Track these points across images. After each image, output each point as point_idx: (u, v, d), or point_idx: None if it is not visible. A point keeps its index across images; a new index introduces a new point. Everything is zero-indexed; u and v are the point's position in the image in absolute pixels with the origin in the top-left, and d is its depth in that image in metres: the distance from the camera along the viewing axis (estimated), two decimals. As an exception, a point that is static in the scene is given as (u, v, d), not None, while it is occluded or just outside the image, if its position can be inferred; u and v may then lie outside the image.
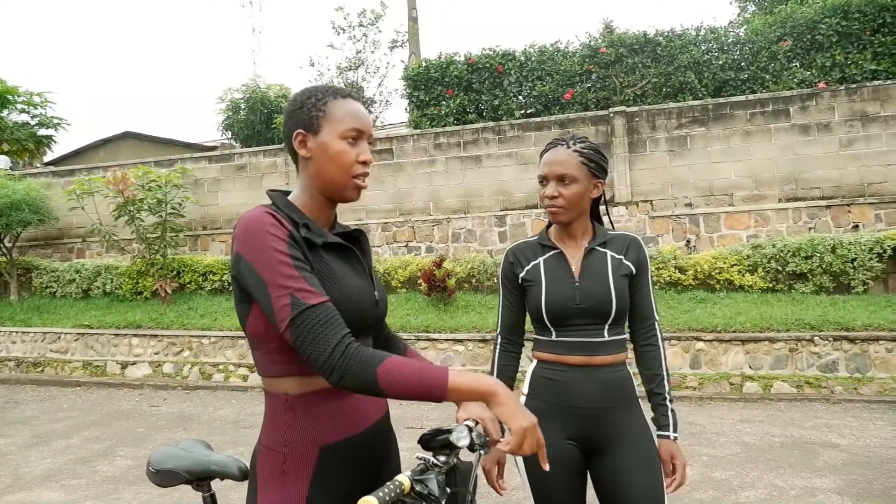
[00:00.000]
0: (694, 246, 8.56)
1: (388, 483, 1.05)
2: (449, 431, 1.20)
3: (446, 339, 7.17)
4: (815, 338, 6.24)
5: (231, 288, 1.25)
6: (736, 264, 7.67)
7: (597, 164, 1.69)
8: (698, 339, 6.54)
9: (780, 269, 7.49)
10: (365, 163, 1.25)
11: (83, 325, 8.67)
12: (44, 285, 10.38)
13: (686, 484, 3.68)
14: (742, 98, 8.70)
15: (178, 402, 6.63)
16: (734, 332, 6.48)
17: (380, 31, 13.63)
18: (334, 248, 1.24)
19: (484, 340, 7.01)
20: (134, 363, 8.15)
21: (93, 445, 5.04)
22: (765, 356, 6.35)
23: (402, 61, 12.61)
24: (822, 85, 8.88)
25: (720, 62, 9.78)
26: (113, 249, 10.02)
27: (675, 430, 1.68)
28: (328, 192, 1.25)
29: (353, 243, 1.31)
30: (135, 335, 8.35)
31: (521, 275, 1.74)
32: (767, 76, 9.55)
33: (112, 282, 9.84)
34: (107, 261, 10.28)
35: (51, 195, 10.39)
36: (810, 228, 8.19)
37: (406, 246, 9.66)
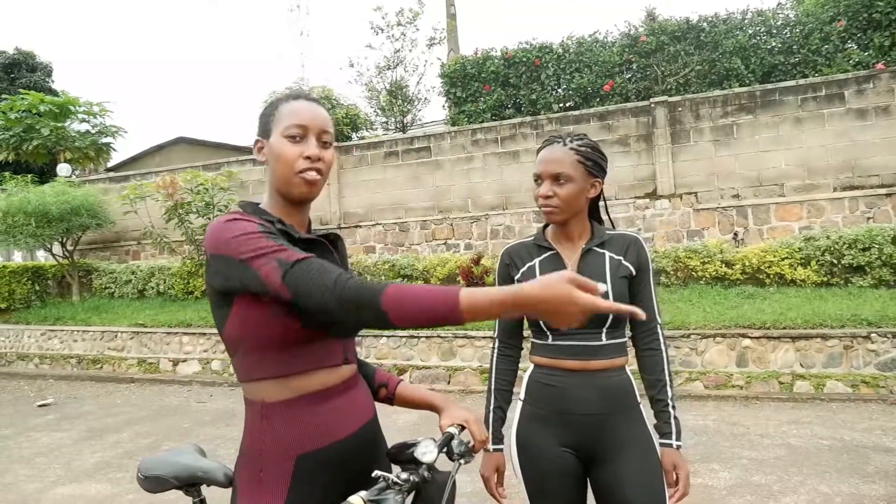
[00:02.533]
0: (742, 239, 8.23)
1: None
2: (415, 445, 1.17)
3: (484, 337, 7.12)
4: (873, 334, 5.89)
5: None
6: (787, 257, 7.34)
7: (594, 163, 1.64)
8: (745, 336, 6.27)
9: (835, 262, 7.12)
10: (309, 158, 1.23)
11: (138, 324, 9.06)
12: (103, 286, 10.92)
13: (721, 488, 3.57)
14: (792, 83, 8.30)
15: (224, 399, 6.84)
16: (784, 328, 6.18)
17: (417, 30, 13.63)
18: (309, 246, 1.23)
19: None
20: (184, 360, 8.47)
21: (141, 440, 5.27)
22: (817, 354, 6.04)
23: (439, 59, 12.59)
24: (880, 66, 8.36)
25: (768, 46, 9.37)
26: (165, 251, 10.43)
27: (677, 438, 1.61)
28: (282, 192, 1.26)
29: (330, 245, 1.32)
30: (185, 333, 8.66)
31: (517, 276, 1.69)
32: (820, 59, 9.08)
33: (165, 282, 10.27)
34: (160, 262, 10.73)
35: (108, 200, 10.90)
36: (868, 218, 7.74)
37: (445, 243, 9.67)
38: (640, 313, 1.06)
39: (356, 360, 1.36)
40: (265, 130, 1.27)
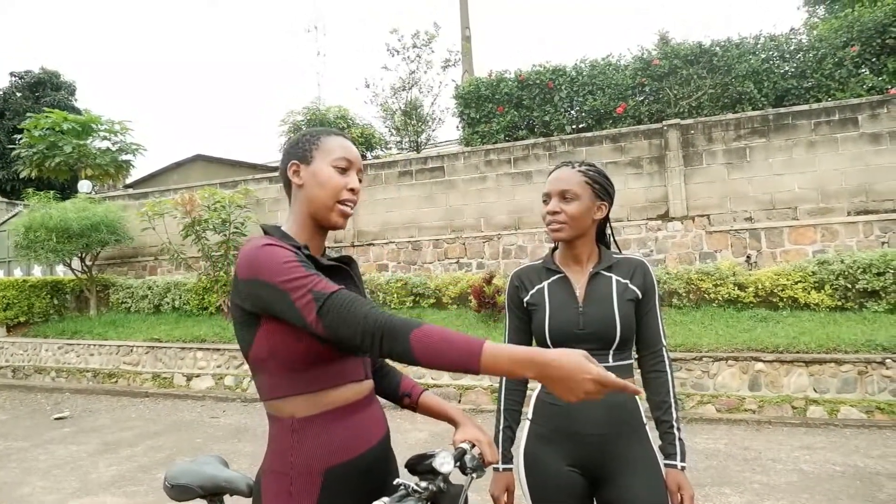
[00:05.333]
0: (755, 262, 8.20)
1: None
2: (433, 456, 1.23)
3: (495, 357, 7.15)
4: (888, 360, 5.84)
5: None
6: (800, 281, 7.30)
7: (601, 186, 1.70)
8: (758, 359, 6.24)
9: (849, 286, 7.08)
10: (353, 190, 1.33)
11: (153, 339, 9.18)
12: (119, 301, 11.09)
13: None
14: (805, 107, 8.33)
15: (237, 414, 6.91)
16: (797, 352, 6.15)
17: (433, 52, 13.87)
18: (330, 272, 1.31)
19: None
20: (198, 375, 8.56)
21: (155, 454, 5.33)
22: (831, 379, 5.99)
23: (454, 80, 12.78)
24: (893, 91, 8.38)
25: (781, 71, 9.41)
26: (181, 267, 10.60)
27: (682, 460, 1.64)
28: (316, 217, 1.33)
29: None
30: (199, 349, 8.77)
31: (526, 298, 1.75)
32: (833, 84, 9.10)
33: (180, 298, 10.42)
34: (176, 278, 10.89)
35: (127, 216, 11.10)
36: (883, 243, 7.70)
37: (457, 262, 9.73)
38: (640, 391, 1.15)
39: (373, 374, 1.43)
40: (304, 156, 1.34)
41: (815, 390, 6.01)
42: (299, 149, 1.35)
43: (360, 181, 1.37)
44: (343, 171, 1.33)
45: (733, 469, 4.38)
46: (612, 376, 1.05)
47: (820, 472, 4.27)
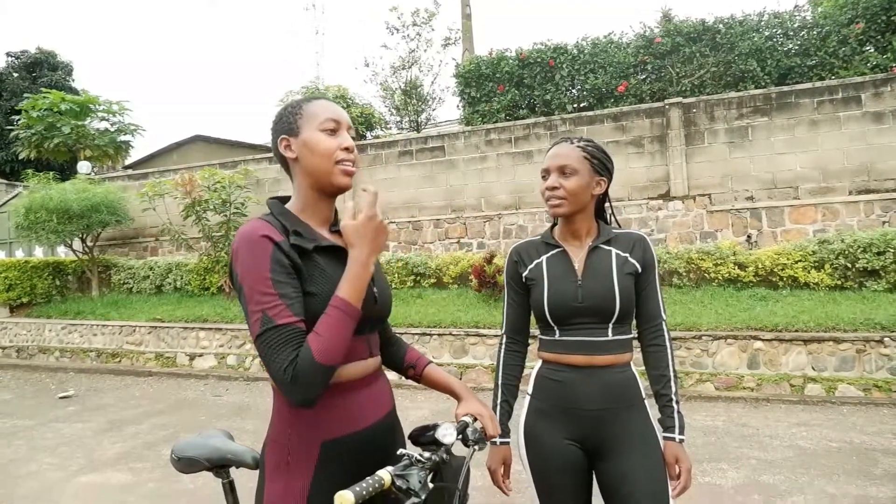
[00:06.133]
0: (755, 241, 8.21)
1: (368, 478, 1.07)
2: (435, 428, 1.25)
3: (496, 335, 7.18)
4: (886, 339, 5.88)
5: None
6: (801, 260, 7.31)
7: (600, 161, 1.70)
8: (756, 338, 6.28)
9: (849, 265, 7.09)
10: (348, 149, 1.31)
11: (156, 319, 9.23)
12: (121, 282, 11.13)
13: (729, 487, 3.61)
14: (808, 86, 8.26)
15: (239, 393, 6.97)
16: (796, 331, 6.19)
17: (433, 30, 13.74)
18: (328, 249, 1.29)
19: (533, 337, 6.99)
20: (201, 355, 8.62)
21: (159, 432, 5.40)
22: (829, 357, 6.04)
23: (454, 59, 12.67)
24: (898, 69, 8.31)
25: (785, 49, 9.31)
26: (182, 247, 10.62)
27: (681, 433, 1.66)
28: (319, 185, 1.32)
29: None
30: (202, 328, 8.81)
31: (525, 273, 1.75)
32: (837, 62, 9.01)
33: (182, 278, 10.45)
34: (177, 258, 10.91)
35: (127, 197, 11.08)
36: (884, 222, 7.70)
37: (458, 242, 9.74)
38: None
39: (379, 353, 1.43)
40: (290, 129, 1.32)
41: (814, 368, 6.05)
42: (285, 122, 1.33)
43: (354, 138, 1.36)
44: (332, 132, 1.31)
45: (731, 445, 4.44)
46: (368, 202, 1.24)
47: (817, 448, 4.32)
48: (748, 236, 8.28)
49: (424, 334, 7.46)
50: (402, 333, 7.44)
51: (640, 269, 1.69)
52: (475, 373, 7.01)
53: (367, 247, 1.23)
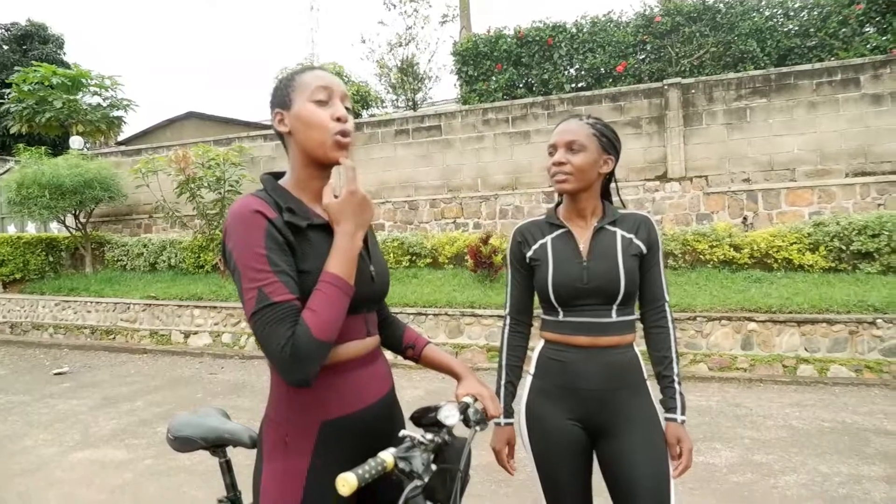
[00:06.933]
0: (751, 223, 8.22)
1: (370, 460, 1.06)
2: (438, 409, 1.24)
3: (491, 315, 7.20)
4: (878, 320, 5.93)
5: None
6: (796, 242, 7.34)
7: (608, 140, 1.68)
8: (751, 319, 6.32)
9: (843, 247, 7.12)
10: (340, 119, 1.26)
11: (150, 297, 9.20)
12: (115, 259, 11.06)
13: (723, 466, 3.64)
14: (808, 67, 8.20)
15: (235, 371, 6.98)
16: (790, 312, 6.23)
17: (430, 6, 13.55)
18: (322, 226, 1.26)
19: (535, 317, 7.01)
20: (196, 333, 8.61)
21: (154, 409, 5.40)
22: (822, 338, 6.09)
23: (451, 36, 12.51)
24: (898, 51, 8.27)
25: (785, 29, 9.25)
26: (176, 225, 10.53)
27: (682, 413, 1.66)
28: (313, 158, 1.27)
29: None
30: (196, 306, 8.79)
31: (529, 254, 1.73)
32: (837, 43, 8.96)
33: (176, 256, 10.39)
34: (171, 236, 10.84)
35: (120, 173, 10.96)
36: (880, 205, 7.71)
37: (454, 222, 9.71)
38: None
39: (378, 332, 1.41)
40: (283, 102, 1.28)
41: (807, 349, 6.11)
42: (278, 95, 1.30)
43: (349, 109, 1.30)
44: (324, 102, 1.26)
45: (724, 425, 4.48)
46: (348, 177, 1.22)
47: (809, 427, 4.37)
48: (744, 218, 8.29)
49: (420, 314, 7.46)
50: (398, 313, 7.44)
51: (644, 251, 1.68)
52: (470, 353, 7.03)
53: (352, 222, 1.21)
